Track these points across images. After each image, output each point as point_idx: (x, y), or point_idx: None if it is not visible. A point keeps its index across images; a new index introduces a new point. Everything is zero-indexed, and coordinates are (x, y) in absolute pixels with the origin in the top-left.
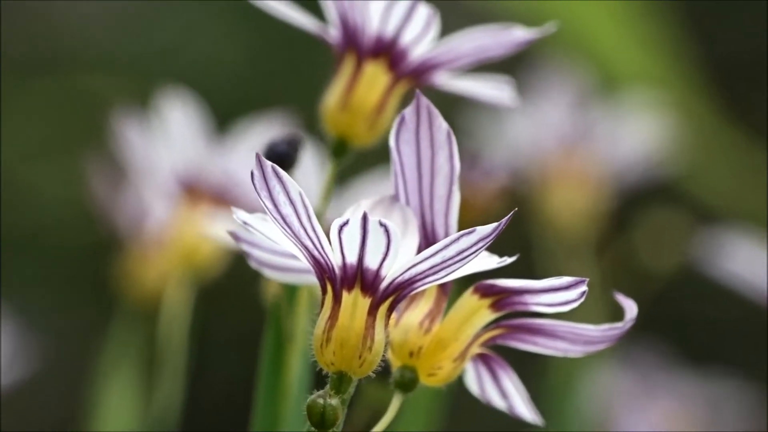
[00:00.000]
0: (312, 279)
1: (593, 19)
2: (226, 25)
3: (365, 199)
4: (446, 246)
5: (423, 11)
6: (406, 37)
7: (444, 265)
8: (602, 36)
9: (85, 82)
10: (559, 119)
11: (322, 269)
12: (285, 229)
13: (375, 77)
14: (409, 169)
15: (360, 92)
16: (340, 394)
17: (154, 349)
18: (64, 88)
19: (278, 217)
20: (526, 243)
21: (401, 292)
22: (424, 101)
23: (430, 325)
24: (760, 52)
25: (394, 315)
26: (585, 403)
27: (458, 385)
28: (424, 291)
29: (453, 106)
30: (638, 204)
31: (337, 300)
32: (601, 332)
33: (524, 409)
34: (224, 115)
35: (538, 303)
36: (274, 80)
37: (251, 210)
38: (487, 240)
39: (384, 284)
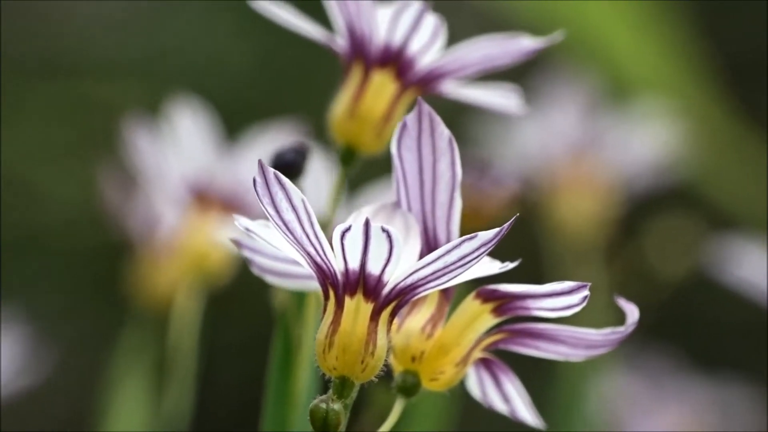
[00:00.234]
0: (314, 285)
1: (603, 24)
2: (233, 30)
3: (367, 206)
4: (448, 251)
5: (430, 21)
6: (414, 47)
7: (446, 270)
8: (612, 42)
9: (93, 86)
10: (569, 126)
11: (324, 275)
12: (287, 236)
13: (382, 86)
14: (411, 176)
15: (367, 101)
16: (343, 399)
17: (164, 355)
18: (72, 91)
19: (280, 224)
20: (535, 249)
21: (403, 297)
22: (426, 108)
23: (432, 330)
24: None
25: (396, 320)
26: (593, 407)
27: (463, 389)
28: (426, 296)
29: (462, 114)
30: (648, 210)
31: (339, 305)
32: (602, 336)
33: (526, 413)
34: (231, 119)
35: (540, 308)
36: (281, 84)
37: (261, 217)
38: (489, 245)
39: (386, 290)
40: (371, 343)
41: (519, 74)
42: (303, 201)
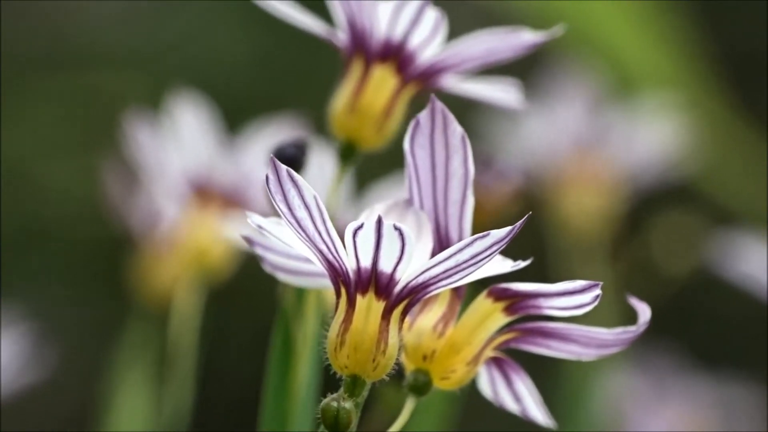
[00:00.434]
0: (326, 283)
1: (607, 20)
2: (235, 25)
3: (380, 203)
4: (460, 250)
5: (431, 15)
6: (414, 41)
7: (458, 268)
8: (617, 37)
9: (94, 80)
10: (574, 121)
11: (336, 273)
12: (299, 233)
13: (383, 81)
14: (424, 173)
15: (368, 96)
16: (354, 397)
17: (165, 350)
18: (73, 85)
19: (293, 221)
20: (540, 246)
21: (415, 295)
22: (439, 105)
23: (444, 329)
24: None
25: (407, 319)
26: (598, 406)
27: (471, 387)
28: (437, 295)
29: (467, 109)
30: (653, 206)
31: (351, 304)
32: (614, 335)
33: (537, 413)
34: (232, 114)
35: (552, 306)
36: (282, 79)
37: (263, 212)
38: (501, 243)
39: (398, 288)
40: (383, 342)
41: (524, 70)
42: (315, 198)
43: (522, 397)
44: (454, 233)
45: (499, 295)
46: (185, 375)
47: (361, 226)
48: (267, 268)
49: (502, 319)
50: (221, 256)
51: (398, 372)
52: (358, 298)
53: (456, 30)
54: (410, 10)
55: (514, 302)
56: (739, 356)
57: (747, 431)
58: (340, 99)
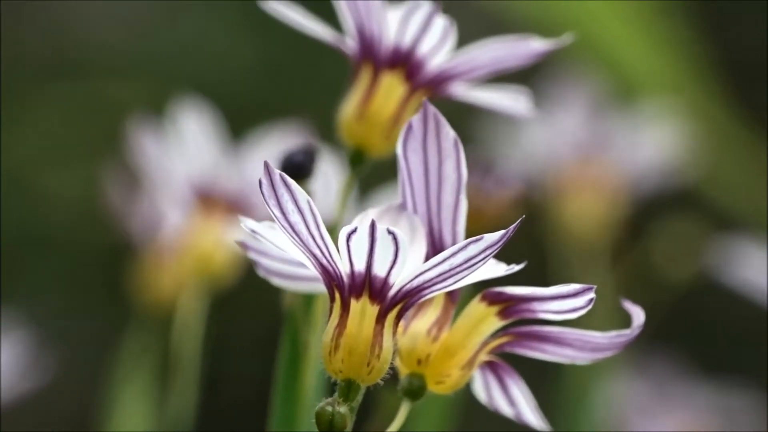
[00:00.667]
0: (320, 287)
1: (609, 26)
2: (240, 31)
3: (373, 208)
4: (454, 254)
5: (440, 22)
6: (423, 48)
7: (452, 272)
8: (618, 43)
9: (98, 87)
10: (575, 127)
11: (330, 277)
12: (293, 237)
13: (392, 88)
14: (417, 178)
15: (377, 103)
16: (349, 402)
17: (168, 357)
18: (76, 92)
19: (286, 225)
20: (542, 251)
21: (409, 299)
22: (432, 110)
23: (438, 333)
24: None
25: (402, 323)
26: (599, 412)
27: (465, 389)
28: (432, 299)
29: (469, 115)
30: (654, 212)
31: (345, 308)
32: (608, 339)
33: (532, 417)
34: (237, 120)
35: (546, 310)
36: (287, 85)
37: (266, 218)
38: (495, 247)
39: (392, 292)
40: (377, 346)
41: (526, 76)
42: (309, 202)
43: (517, 401)
44: (447, 237)
45: (494, 299)
46: (188, 381)
47: (354, 231)
48: (261, 273)
49: (497, 323)
50: (225, 263)
51: (393, 376)
52: (352, 302)
53: (462, 38)
54: (419, 17)
55: (508, 306)
56: (740, 362)
57: None
58: (349, 106)
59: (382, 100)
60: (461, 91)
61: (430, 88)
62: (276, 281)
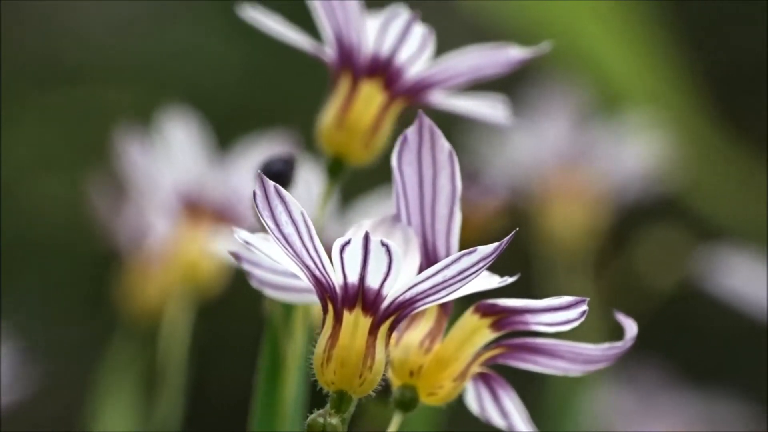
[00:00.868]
0: (313, 298)
1: (593, 36)
2: (225, 40)
3: (367, 219)
4: (447, 266)
5: (419, 30)
6: (402, 57)
7: (445, 284)
8: (602, 53)
9: (85, 95)
10: (559, 136)
11: (323, 288)
12: (286, 249)
13: (371, 96)
14: (411, 189)
15: (356, 111)
16: (341, 413)
17: (154, 366)
18: (64, 100)
19: (280, 237)
20: (525, 260)
21: (402, 311)
22: (427, 122)
23: (431, 345)
24: (760, 67)
25: (394, 334)
26: (585, 421)
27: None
28: (424, 311)
29: (453, 124)
30: (638, 221)
31: (338, 319)
32: (601, 351)
33: (524, 428)
34: (223, 129)
35: (539, 322)
36: (273, 94)
37: (253, 228)
38: (488, 260)
39: (385, 304)
40: (369, 358)
41: (510, 85)
42: (303, 214)
43: (509, 412)
44: (441, 249)
45: (486, 311)
46: (174, 390)
47: (348, 242)
48: (254, 284)
49: (489, 335)
50: (211, 272)
51: (385, 388)
52: (345, 313)
53: (443, 46)
54: (398, 25)
55: (500, 318)
56: (726, 370)
57: None
58: (328, 114)
59: (361, 108)
60: (440, 99)
61: (409, 97)
62: (269, 292)
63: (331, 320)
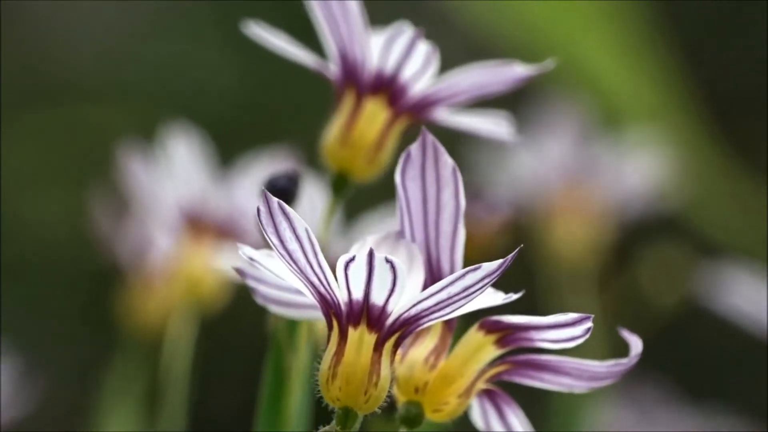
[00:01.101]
0: (318, 315)
1: (595, 54)
2: (226, 55)
3: (371, 235)
4: (452, 282)
5: (423, 47)
6: (406, 74)
7: (450, 301)
8: (604, 71)
9: (84, 112)
10: (562, 153)
11: (328, 305)
12: (291, 265)
13: (375, 113)
14: (415, 206)
15: (360, 128)
16: (346, 430)
17: (156, 382)
18: (62, 117)
19: (284, 253)
20: (528, 276)
21: (407, 328)
22: (430, 138)
23: (436, 361)
24: (760, 85)
25: (399, 351)
26: None
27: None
28: (429, 327)
29: (457, 141)
30: (641, 238)
31: (343, 336)
32: (606, 368)
33: None
34: (225, 145)
35: (544, 339)
36: (275, 110)
37: (255, 244)
38: (493, 276)
39: (390, 320)
40: (375, 374)
41: (513, 102)
42: (307, 231)
43: (514, 429)
44: (445, 265)
45: (491, 328)
46: (177, 406)
47: (352, 259)
48: (259, 300)
49: (494, 352)
50: (213, 288)
51: (390, 404)
52: (350, 330)
53: (446, 62)
54: (402, 42)
55: (505, 335)
56: (726, 389)
57: None
58: (332, 131)
59: (365, 125)
60: (444, 116)
61: (413, 113)
62: (274, 308)
63: (335, 337)
